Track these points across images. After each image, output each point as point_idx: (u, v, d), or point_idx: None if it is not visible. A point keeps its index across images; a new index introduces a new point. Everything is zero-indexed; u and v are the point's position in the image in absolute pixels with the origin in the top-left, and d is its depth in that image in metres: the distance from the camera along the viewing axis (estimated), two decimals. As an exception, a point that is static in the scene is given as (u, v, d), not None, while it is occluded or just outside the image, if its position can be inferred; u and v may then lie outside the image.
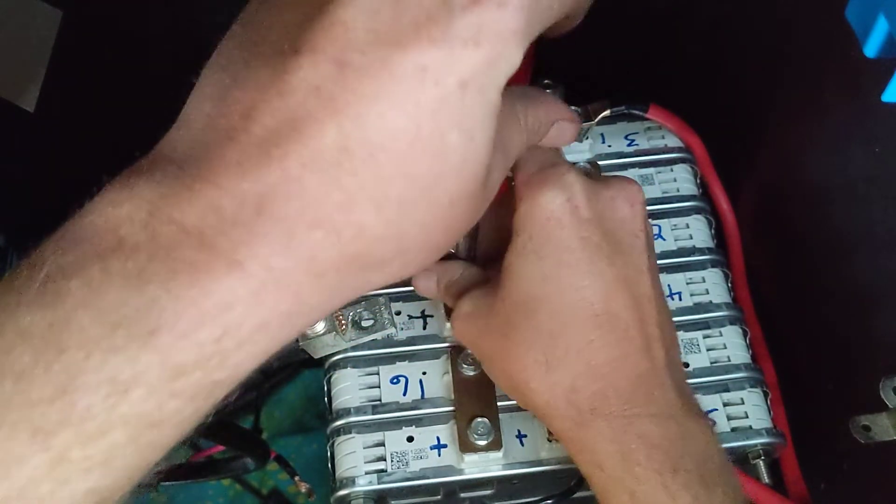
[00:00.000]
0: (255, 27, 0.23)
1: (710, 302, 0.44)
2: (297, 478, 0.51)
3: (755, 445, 0.41)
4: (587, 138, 0.48)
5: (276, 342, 0.23)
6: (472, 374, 0.41)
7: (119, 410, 0.20)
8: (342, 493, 0.39)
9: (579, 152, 0.48)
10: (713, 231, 0.47)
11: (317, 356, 0.42)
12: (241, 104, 0.22)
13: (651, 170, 0.48)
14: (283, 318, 0.23)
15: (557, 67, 0.41)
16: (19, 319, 0.20)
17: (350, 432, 0.40)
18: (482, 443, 0.39)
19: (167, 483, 0.45)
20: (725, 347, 0.43)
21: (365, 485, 0.39)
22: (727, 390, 0.42)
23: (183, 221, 0.21)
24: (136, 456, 0.22)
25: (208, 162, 0.22)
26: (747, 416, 0.41)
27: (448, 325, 0.41)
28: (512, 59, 0.23)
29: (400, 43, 0.21)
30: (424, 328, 0.43)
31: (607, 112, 0.47)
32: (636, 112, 0.48)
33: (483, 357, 0.37)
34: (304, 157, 0.21)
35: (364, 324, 0.41)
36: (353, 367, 0.42)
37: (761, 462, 0.41)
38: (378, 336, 0.42)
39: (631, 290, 0.33)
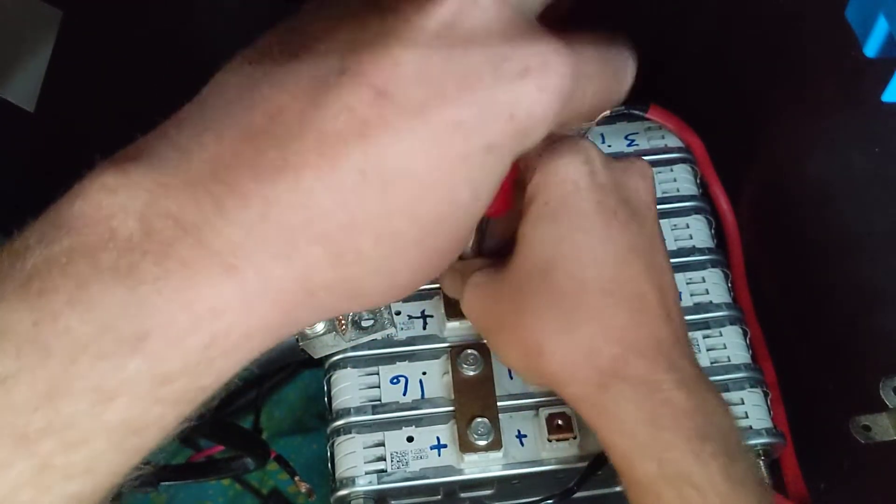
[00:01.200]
0: (303, 34, 0.23)
1: (710, 302, 0.44)
2: (297, 478, 0.51)
3: (755, 445, 0.41)
4: (587, 138, 0.48)
5: (258, 351, 0.23)
6: (472, 374, 0.41)
7: (103, 418, 0.20)
8: (342, 493, 0.39)
9: (579, 152, 0.48)
10: (713, 231, 0.47)
11: (317, 356, 0.42)
12: (269, 103, 0.22)
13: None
14: (269, 329, 0.22)
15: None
16: (1, 316, 0.20)
17: (350, 432, 0.40)
18: (482, 443, 0.39)
19: (167, 483, 0.45)
20: (725, 347, 0.43)
21: (365, 485, 0.39)
22: (727, 390, 0.41)
23: (180, 216, 0.21)
24: (118, 462, 0.21)
25: (219, 155, 0.21)
26: (747, 416, 0.41)
27: (448, 324, 0.41)
28: (536, 138, 0.24)
29: (443, 93, 0.22)
30: (424, 328, 0.43)
31: (607, 112, 0.47)
32: (636, 112, 0.48)
33: (490, 329, 0.36)
34: (322, 170, 0.21)
35: (364, 324, 0.41)
36: (353, 367, 0.42)
37: (761, 462, 0.41)
38: (378, 336, 0.42)
39: (646, 258, 0.33)
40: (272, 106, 0.22)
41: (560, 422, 0.40)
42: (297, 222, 0.21)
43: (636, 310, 0.32)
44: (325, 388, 0.42)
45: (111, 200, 0.20)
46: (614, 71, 0.26)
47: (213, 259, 0.21)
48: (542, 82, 0.23)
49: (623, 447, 0.31)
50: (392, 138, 0.21)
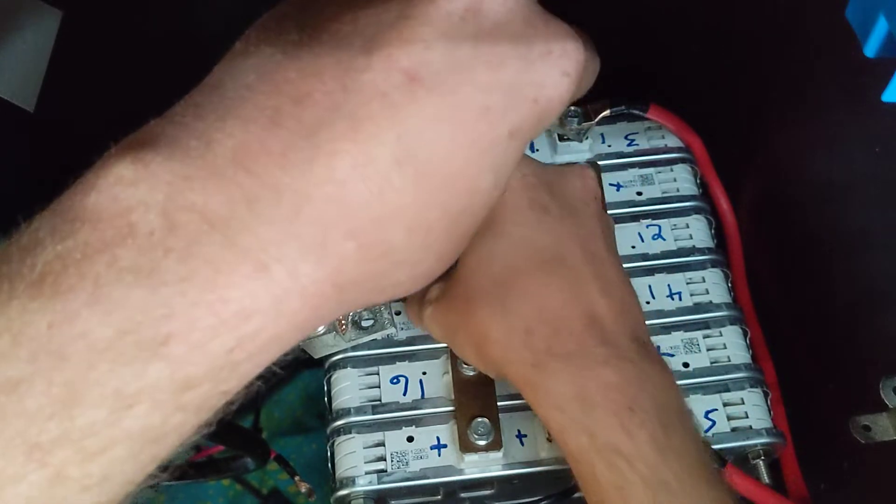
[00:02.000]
0: (319, 15, 0.22)
1: (710, 302, 0.44)
2: (297, 478, 0.51)
3: (755, 445, 0.41)
4: (587, 138, 0.48)
5: (284, 351, 0.22)
6: (472, 374, 0.40)
7: (122, 426, 0.19)
8: (342, 493, 0.39)
9: (579, 152, 0.48)
10: (713, 231, 0.47)
11: (317, 356, 0.42)
12: (294, 87, 0.20)
13: (651, 170, 0.48)
14: (296, 329, 0.21)
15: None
16: (13, 317, 0.18)
17: (350, 432, 0.40)
18: (482, 443, 0.39)
19: (167, 483, 0.45)
20: (725, 347, 0.43)
21: (365, 485, 0.39)
22: (727, 390, 0.42)
23: (207, 210, 0.19)
24: (135, 470, 0.20)
25: (245, 144, 0.20)
26: (747, 416, 0.41)
27: (448, 325, 0.41)
28: (549, 123, 0.24)
29: (472, 78, 0.21)
30: (424, 328, 0.43)
31: (607, 112, 0.47)
32: (636, 112, 0.48)
33: (449, 333, 0.37)
34: (356, 160, 0.20)
35: (364, 324, 0.41)
36: (353, 367, 0.42)
37: (761, 462, 0.41)
38: (378, 336, 0.42)
39: (582, 245, 0.34)
40: (298, 90, 0.20)
41: (560, 422, 0.40)
42: (330, 217, 0.20)
43: (570, 289, 0.33)
44: (325, 388, 0.42)
45: (130, 193, 0.19)
46: (595, 64, 0.26)
47: (243, 258, 0.19)
48: (565, 66, 0.23)
49: (557, 422, 0.32)
50: (425, 124, 0.21)
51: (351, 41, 0.21)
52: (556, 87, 0.23)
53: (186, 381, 0.19)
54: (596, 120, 0.47)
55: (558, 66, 0.23)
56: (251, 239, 0.19)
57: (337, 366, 0.42)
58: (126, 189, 0.19)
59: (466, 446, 0.39)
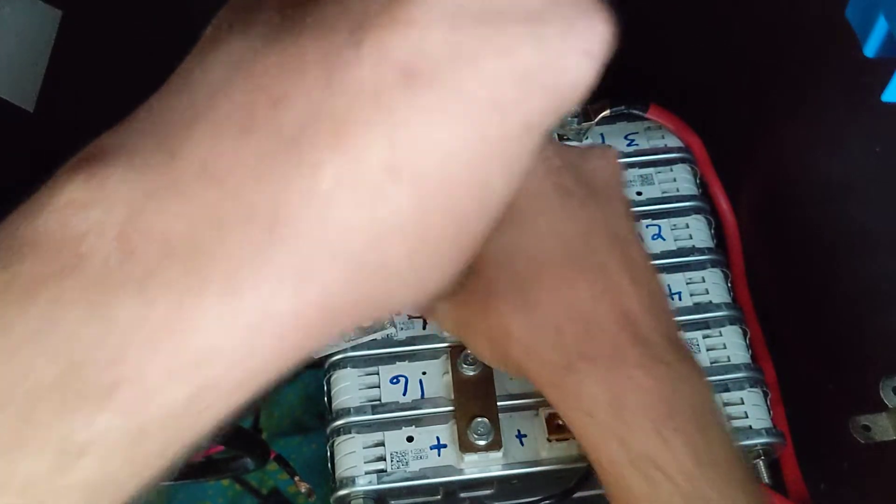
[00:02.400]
0: None
1: (710, 302, 0.44)
2: (296, 478, 0.51)
3: (755, 445, 0.41)
4: (587, 138, 0.48)
5: (267, 384, 0.19)
6: (472, 374, 0.40)
7: (67, 479, 0.17)
8: (342, 493, 0.39)
9: (579, 152, 0.48)
10: (713, 231, 0.47)
11: (316, 356, 0.42)
12: (273, 82, 0.18)
13: (651, 170, 0.48)
14: (272, 369, 0.19)
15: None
16: None
17: (350, 432, 0.40)
18: (482, 443, 0.39)
19: (165, 483, 0.45)
20: (725, 347, 0.43)
21: (365, 485, 0.39)
22: (727, 390, 0.42)
23: (168, 234, 0.17)
24: None
25: (215, 155, 0.17)
26: (747, 416, 0.41)
27: (448, 324, 0.41)
28: (569, 109, 0.20)
29: (479, 68, 0.18)
30: (424, 328, 0.43)
31: (607, 112, 0.47)
32: (636, 112, 0.48)
33: (461, 328, 0.35)
34: (341, 170, 0.17)
35: (364, 323, 0.41)
36: (353, 367, 0.42)
37: (761, 462, 0.41)
38: (378, 336, 0.42)
39: (609, 231, 0.33)
40: (277, 88, 0.18)
41: (560, 422, 0.40)
42: (313, 238, 0.18)
43: (598, 281, 0.31)
44: (325, 387, 0.42)
45: (82, 217, 0.17)
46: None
47: (207, 289, 0.17)
48: (588, 45, 0.19)
49: (587, 429, 0.30)
50: (423, 127, 0.18)
51: (338, 25, 0.18)
52: (577, 70, 0.19)
53: (140, 431, 0.17)
54: (596, 120, 0.47)
55: (580, 44, 0.19)
56: (217, 266, 0.17)
57: (337, 366, 0.42)
58: (78, 212, 0.17)
59: (466, 446, 0.39)
